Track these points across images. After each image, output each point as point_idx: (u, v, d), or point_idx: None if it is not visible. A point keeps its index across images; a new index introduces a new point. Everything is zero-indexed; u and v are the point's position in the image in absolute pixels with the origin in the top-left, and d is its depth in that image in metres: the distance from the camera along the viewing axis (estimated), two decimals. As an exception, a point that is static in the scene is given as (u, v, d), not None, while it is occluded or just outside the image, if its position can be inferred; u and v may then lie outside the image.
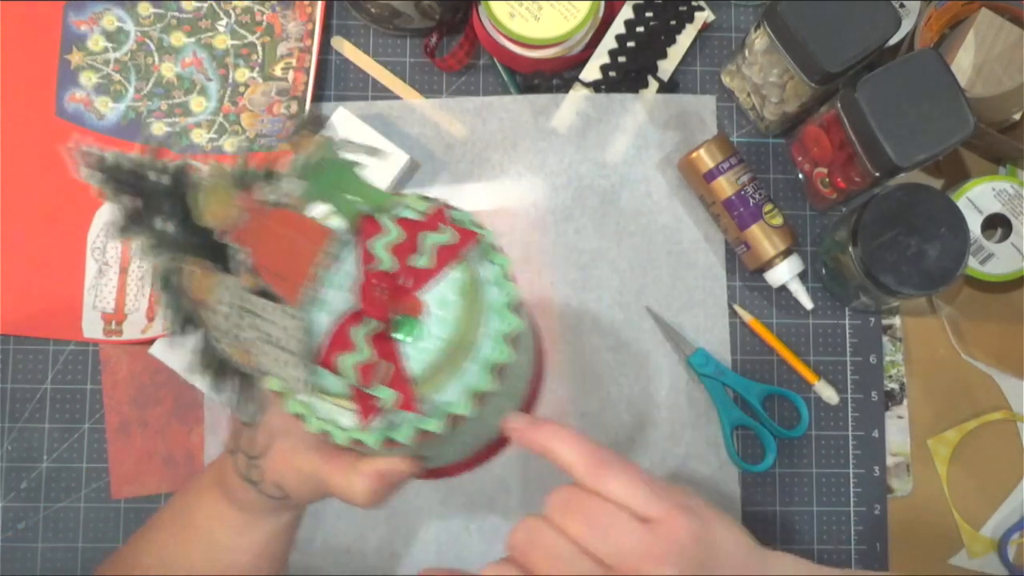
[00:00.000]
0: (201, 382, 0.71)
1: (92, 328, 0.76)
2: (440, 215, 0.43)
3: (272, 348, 0.41)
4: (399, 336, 0.42)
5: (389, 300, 0.41)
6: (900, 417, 0.79)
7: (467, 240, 0.43)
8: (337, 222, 0.43)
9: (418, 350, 0.42)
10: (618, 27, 0.80)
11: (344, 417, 0.43)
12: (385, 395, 0.41)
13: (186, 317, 0.40)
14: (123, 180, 0.37)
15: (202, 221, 0.39)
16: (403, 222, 0.43)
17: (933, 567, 0.78)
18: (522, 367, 0.50)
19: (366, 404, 0.41)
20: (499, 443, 0.52)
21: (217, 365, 0.42)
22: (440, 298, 0.42)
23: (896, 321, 0.80)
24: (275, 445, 0.51)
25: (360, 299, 0.42)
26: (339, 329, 0.41)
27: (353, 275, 0.42)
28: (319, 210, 0.42)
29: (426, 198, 0.45)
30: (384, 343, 0.41)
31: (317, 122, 0.40)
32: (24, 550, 0.75)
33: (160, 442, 0.76)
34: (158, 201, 0.38)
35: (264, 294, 0.41)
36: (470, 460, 0.52)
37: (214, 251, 0.40)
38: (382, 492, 0.49)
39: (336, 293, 0.42)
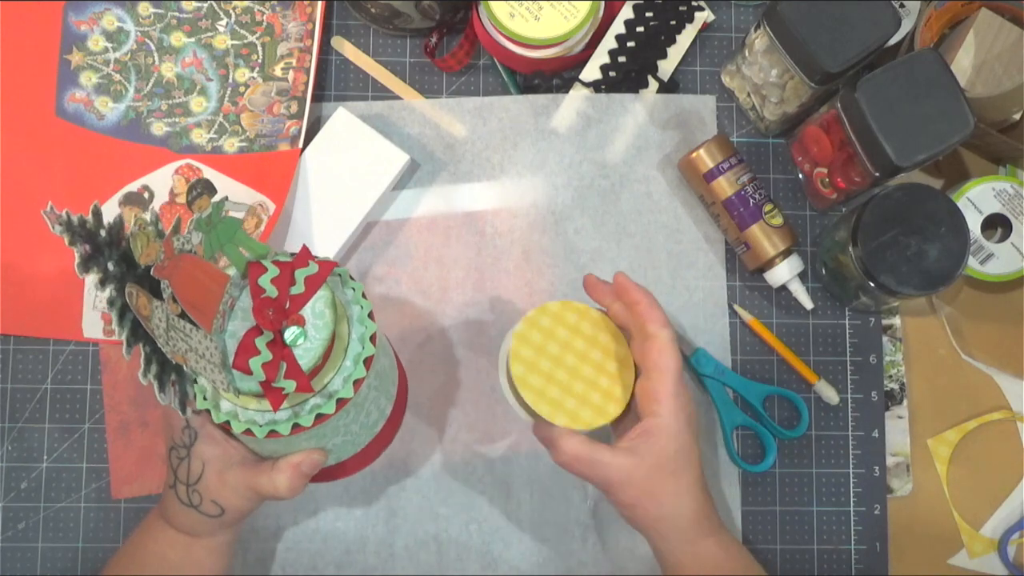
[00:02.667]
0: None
1: (92, 328, 0.76)
2: (305, 255, 0.57)
3: (198, 358, 0.53)
4: (289, 341, 0.55)
5: (277, 318, 0.55)
6: (900, 417, 0.79)
7: (327, 270, 0.56)
8: (232, 270, 0.56)
9: (305, 350, 0.55)
10: (618, 27, 0.80)
11: (259, 416, 0.57)
12: (287, 384, 0.54)
13: (133, 330, 0.51)
14: (78, 233, 0.48)
15: (137, 260, 0.52)
16: (278, 263, 0.56)
17: (933, 567, 0.78)
18: (388, 369, 0.64)
19: (275, 396, 0.54)
20: (384, 438, 0.65)
21: (161, 367, 0.53)
22: (314, 311, 0.56)
23: (896, 321, 0.80)
24: (207, 469, 0.61)
25: (255, 317, 0.55)
26: (243, 342, 0.54)
27: (247, 305, 0.56)
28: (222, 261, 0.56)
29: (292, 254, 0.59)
30: (279, 348, 0.55)
31: (210, 186, 0.58)
32: (24, 550, 0.75)
33: (160, 442, 0.76)
34: (103, 247, 0.49)
35: (187, 317, 0.54)
36: (361, 456, 0.65)
37: (152, 282, 0.53)
38: (298, 481, 0.60)
39: (238, 322, 0.56)
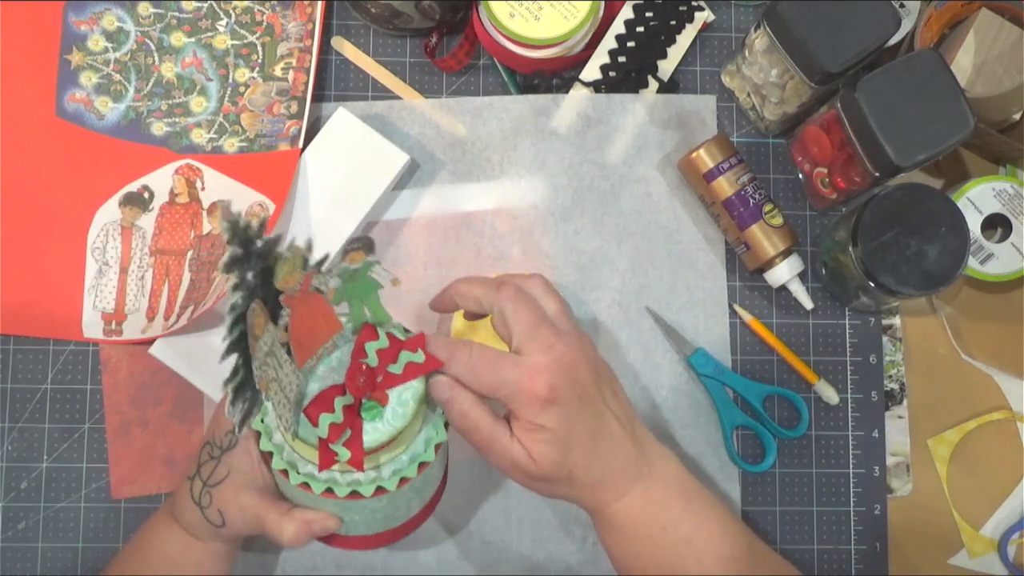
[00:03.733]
0: (206, 384, 0.75)
1: (92, 328, 0.76)
2: (420, 341, 0.57)
3: (279, 390, 0.54)
4: (364, 415, 0.55)
5: (365, 387, 0.55)
6: (900, 417, 0.79)
7: (433, 365, 0.57)
8: (348, 325, 0.58)
9: (374, 429, 0.55)
10: (618, 27, 0.80)
11: (301, 464, 0.57)
12: (342, 452, 0.54)
13: (237, 340, 0.51)
14: (238, 235, 0.49)
15: (275, 282, 0.53)
16: (391, 336, 0.57)
17: (933, 567, 0.78)
18: (435, 478, 0.63)
19: (326, 457, 0.55)
20: (399, 532, 0.64)
21: (243, 383, 0.53)
22: (400, 398, 0.56)
23: (896, 321, 0.80)
24: (229, 478, 0.62)
25: (346, 379, 0.56)
26: (323, 394, 0.55)
27: (345, 362, 0.57)
28: (341, 308, 0.57)
29: (407, 330, 0.60)
30: (352, 415, 0.55)
31: (369, 245, 0.56)
32: (24, 550, 0.75)
33: (160, 442, 0.76)
34: (252, 256, 0.50)
35: (288, 349, 0.55)
36: (372, 538, 0.63)
37: (274, 305, 0.54)
38: (303, 538, 0.59)
39: (327, 370, 0.57)
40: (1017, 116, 0.79)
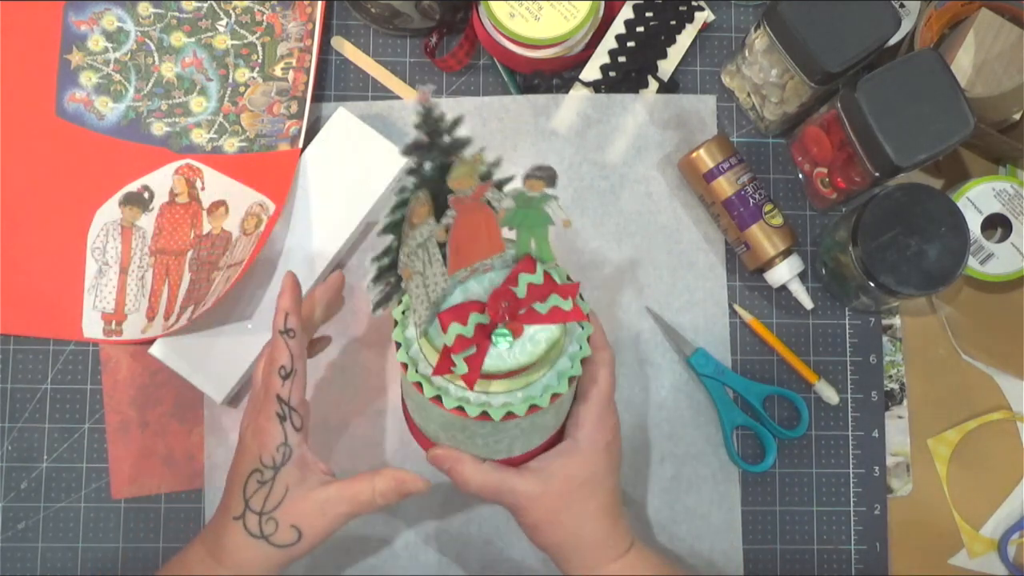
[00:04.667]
0: (206, 384, 0.74)
1: (92, 328, 0.76)
2: (573, 290, 0.56)
3: (421, 285, 0.54)
4: (494, 339, 0.55)
5: (504, 313, 0.55)
6: (900, 417, 0.79)
7: (576, 317, 0.56)
8: (511, 250, 0.57)
9: (495, 357, 0.55)
10: (618, 27, 0.80)
11: (421, 364, 0.56)
12: (460, 366, 0.54)
13: (394, 224, 0.52)
14: (428, 122, 0.49)
15: (448, 180, 0.52)
16: (548, 276, 0.56)
17: (933, 567, 0.78)
18: (543, 426, 0.62)
19: (443, 365, 0.54)
20: (543, 447, 0.63)
21: (388, 266, 0.54)
22: (534, 337, 0.55)
23: (896, 321, 0.80)
24: (291, 493, 0.59)
25: (489, 299, 0.55)
26: (463, 306, 0.55)
27: (496, 283, 0.56)
28: (508, 233, 0.56)
29: (570, 277, 0.59)
30: (483, 336, 0.54)
31: (552, 178, 0.54)
32: (24, 550, 0.75)
33: (160, 442, 0.76)
34: (436, 147, 0.50)
35: (443, 249, 0.55)
36: (523, 456, 0.63)
37: (441, 201, 0.53)
38: (394, 493, 0.60)
39: (476, 286, 0.57)
40: (1017, 116, 0.79)
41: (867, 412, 0.79)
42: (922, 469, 0.79)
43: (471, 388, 0.55)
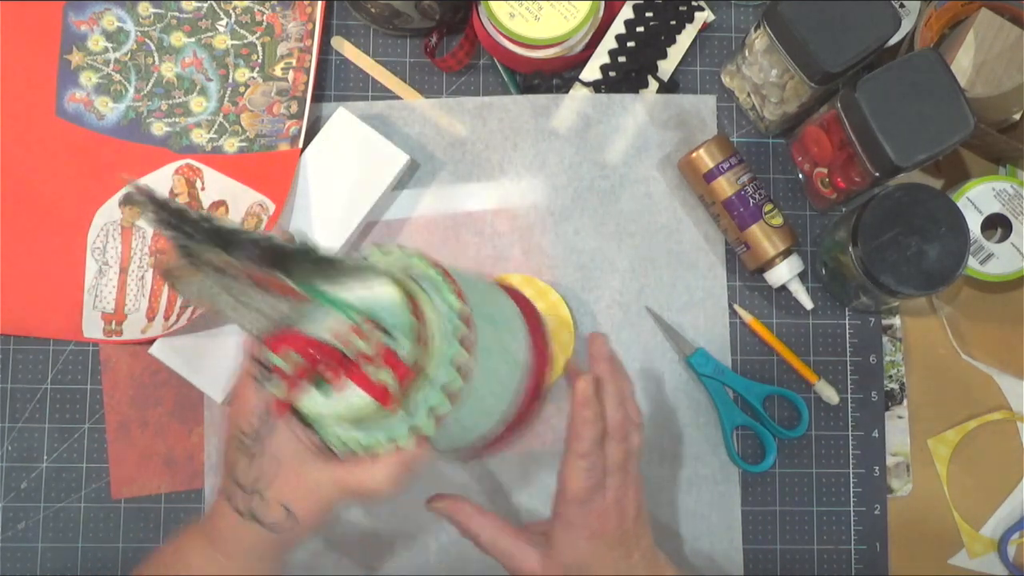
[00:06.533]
0: (206, 384, 0.74)
1: (92, 328, 0.76)
2: (401, 372, 0.51)
3: (241, 305, 0.50)
4: (315, 382, 0.51)
5: (322, 361, 0.50)
6: (900, 417, 0.79)
7: (378, 397, 0.50)
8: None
9: (319, 399, 0.52)
10: (618, 27, 0.80)
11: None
12: (279, 391, 0.51)
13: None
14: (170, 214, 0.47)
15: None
16: (387, 350, 0.51)
17: (933, 567, 0.78)
18: (500, 353, 0.57)
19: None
20: (521, 417, 0.59)
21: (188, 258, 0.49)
22: (356, 393, 0.51)
23: (896, 321, 0.80)
24: (283, 469, 0.54)
25: (310, 345, 0.50)
26: (286, 338, 0.50)
27: (335, 329, 0.50)
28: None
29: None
30: (303, 372, 0.51)
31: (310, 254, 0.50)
32: (24, 550, 0.75)
33: (160, 442, 0.76)
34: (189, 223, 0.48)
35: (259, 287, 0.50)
36: (498, 438, 0.59)
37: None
38: (403, 476, 0.53)
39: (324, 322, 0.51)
40: (1017, 116, 0.79)
41: (867, 412, 0.79)
42: (922, 469, 0.79)
43: (280, 416, 0.52)
